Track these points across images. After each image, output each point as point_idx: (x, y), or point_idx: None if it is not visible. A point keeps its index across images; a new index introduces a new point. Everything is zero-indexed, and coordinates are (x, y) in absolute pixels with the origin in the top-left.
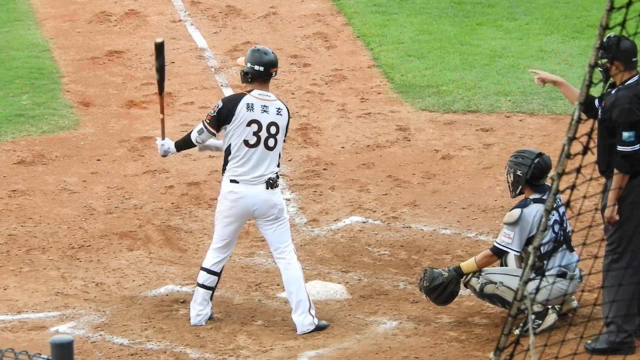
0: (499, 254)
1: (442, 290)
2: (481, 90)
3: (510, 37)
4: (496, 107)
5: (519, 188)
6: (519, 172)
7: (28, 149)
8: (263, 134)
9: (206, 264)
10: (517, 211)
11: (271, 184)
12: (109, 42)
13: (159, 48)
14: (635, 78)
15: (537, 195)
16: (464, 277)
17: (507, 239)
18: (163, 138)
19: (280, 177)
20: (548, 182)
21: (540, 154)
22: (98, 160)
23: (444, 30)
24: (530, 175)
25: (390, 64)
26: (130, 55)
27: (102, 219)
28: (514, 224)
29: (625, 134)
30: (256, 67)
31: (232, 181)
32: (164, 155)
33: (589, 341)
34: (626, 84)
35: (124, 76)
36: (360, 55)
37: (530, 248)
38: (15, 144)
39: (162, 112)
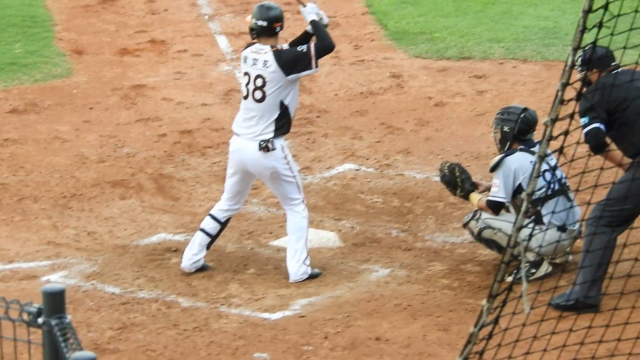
0: (492, 206)
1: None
2: (474, 37)
3: None
4: (489, 54)
5: (507, 144)
6: (506, 128)
7: (20, 97)
8: (251, 86)
9: (213, 210)
10: (499, 157)
11: (263, 147)
12: None
13: None
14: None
15: (524, 147)
16: (460, 194)
17: (495, 187)
18: (304, 5)
19: (283, 145)
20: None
21: (525, 109)
22: (91, 108)
23: None
24: (518, 130)
25: (384, 11)
26: (124, 2)
27: (95, 168)
28: (496, 169)
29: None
30: (259, 23)
31: (235, 132)
32: (323, 23)
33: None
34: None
35: (117, 24)
36: (354, 2)
37: (523, 194)
38: (8, 92)
39: None
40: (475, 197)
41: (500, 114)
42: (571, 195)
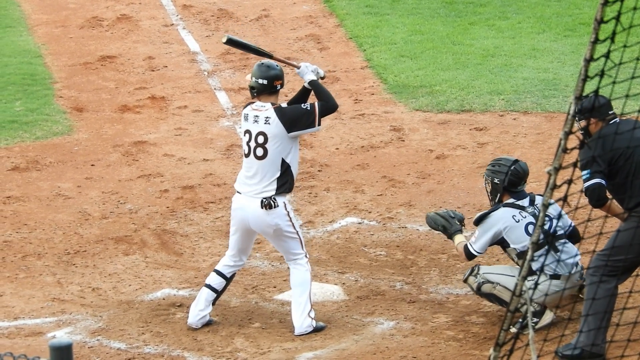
0: (465, 254)
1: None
2: (474, 90)
3: (503, 36)
4: (490, 106)
5: (498, 196)
6: (496, 180)
7: (22, 155)
8: (252, 143)
9: (218, 266)
10: (483, 212)
11: (266, 204)
12: (101, 47)
13: (231, 43)
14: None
15: (512, 201)
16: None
17: (473, 237)
18: (298, 67)
19: (285, 202)
20: (527, 190)
21: (516, 161)
22: (92, 165)
23: (436, 30)
24: (508, 182)
25: (383, 65)
26: (123, 60)
27: (98, 224)
28: (478, 223)
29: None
30: (260, 81)
31: (237, 190)
32: (320, 77)
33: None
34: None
35: (117, 81)
36: (353, 57)
37: (528, 243)
38: (9, 150)
39: (273, 57)
40: (458, 237)
41: (491, 166)
42: (571, 245)
